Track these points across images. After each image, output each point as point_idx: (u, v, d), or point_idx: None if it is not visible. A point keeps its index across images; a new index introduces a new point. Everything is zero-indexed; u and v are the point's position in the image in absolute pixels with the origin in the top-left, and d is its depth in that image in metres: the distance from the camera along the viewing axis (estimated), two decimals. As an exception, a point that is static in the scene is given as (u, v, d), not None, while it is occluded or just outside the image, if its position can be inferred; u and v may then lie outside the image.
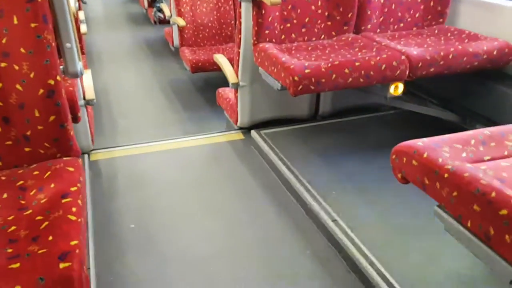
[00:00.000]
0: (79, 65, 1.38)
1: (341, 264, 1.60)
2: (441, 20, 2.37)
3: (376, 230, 1.68)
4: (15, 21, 1.18)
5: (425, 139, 1.22)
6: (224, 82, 2.58)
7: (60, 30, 1.29)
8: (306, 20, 2.22)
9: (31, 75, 1.21)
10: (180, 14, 3.58)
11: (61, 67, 1.29)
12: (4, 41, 1.19)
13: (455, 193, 1.06)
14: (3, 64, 1.20)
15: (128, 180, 2.14)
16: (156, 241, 1.73)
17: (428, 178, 1.13)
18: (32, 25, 1.19)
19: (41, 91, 1.22)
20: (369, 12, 2.27)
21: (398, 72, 1.90)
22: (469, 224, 1.03)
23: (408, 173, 1.21)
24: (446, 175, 1.08)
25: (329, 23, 2.25)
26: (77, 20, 2.70)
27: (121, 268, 1.59)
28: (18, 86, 1.21)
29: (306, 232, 1.77)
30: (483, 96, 2.20)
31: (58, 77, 1.23)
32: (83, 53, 3.07)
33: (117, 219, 1.86)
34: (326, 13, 2.24)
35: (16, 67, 1.20)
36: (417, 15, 2.37)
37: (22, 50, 1.20)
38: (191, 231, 1.80)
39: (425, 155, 1.15)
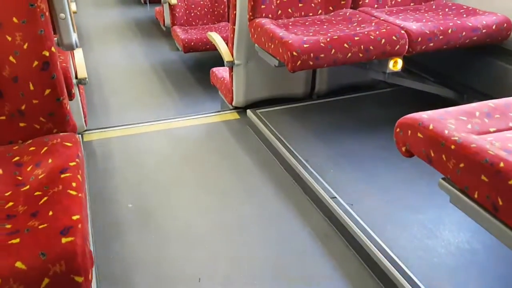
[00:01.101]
0: (74, 36, 1.32)
1: (341, 240, 1.60)
2: (438, -5, 2.34)
3: (375, 206, 1.68)
4: None
5: (429, 112, 1.20)
6: (216, 63, 2.53)
7: (53, 0, 1.23)
8: (303, -6, 2.17)
9: (25, 46, 1.16)
10: (171, -8, 3.49)
11: (55, 39, 1.24)
12: None
13: (462, 164, 1.05)
14: None
15: (123, 160, 2.10)
16: (155, 219, 1.71)
17: (434, 150, 1.12)
18: None
19: (36, 63, 1.17)
20: (367, -14, 2.23)
21: (398, 46, 1.87)
22: (476, 196, 1.02)
23: (412, 145, 1.20)
24: (452, 147, 1.07)
25: (326, -2, 2.21)
26: None
27: (121, 247, 1.57)
28: (11, 58, 1.16)
29: (305, 210, 1.76)
30: (481, 72, 2.19)
31: (53, 48, 1.18)
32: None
33: (114, 198, 1.83)
34: (323, -13, 2.19)
35: (9, 38, 1.15)
36: (415, -11, 2.34)
37: (15, 19, 1.14)
38: (188, 208, 1.78)
39: (430, 127, 1.13)
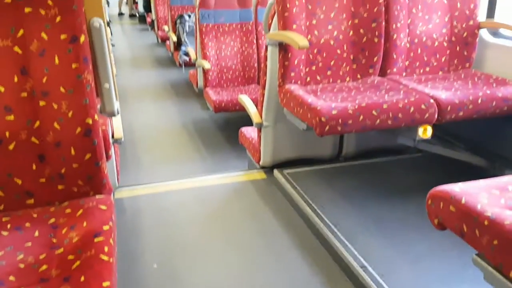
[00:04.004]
0: (116, 104, 1.40)
1: (371, 313, 1.53)
2: (467, 64, 2.37)
3: (407, 277, 1.61)
4: (57, 61, 1.21)
5: (461, 184, 1.18)
6: (245, 122, 2.60)
7: (99, 71, 1.31)
8: (332, 63, 2.25)
9: (69, 114, 1.22)
10: (205, 57, 3.70)
11: (98, 105, 1.31)
12: (44, 80, 1.21)
13: (495, 241, 1.01)
14: (42, 103, 1.21)
15: (151, 219, 2.13)
16: (180, 281, 1.69)
17: (467, 225, 1.09)
18: (73, 65, 1.21)
19: (79, 129, 1.23)
20: (395, 56, 2.29)
21: (427, 115, 1.88)
22: (511, 274, 0.98)
23: (445, 219, 1.17)
24: (486, 222, 1.04)
25: (354, 66, 2.28)
26: None
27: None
28: (55, 125, 1.22)
29: (333, 277, 1.70)
30: (512, 141, 2.16)
31: (96, 116, 1.24)
32: None
33: (140, 258, 1.83)
34: (352, 57, 2.27)
35: (55, 106, 1.21)
36: (443, 59, 2.38)
37: (62, 89, 1.21)
38: (214, 270, 1.75)
39: (463, 201, 1.11)
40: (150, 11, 7.40)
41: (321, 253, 1.85)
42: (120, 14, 11.44)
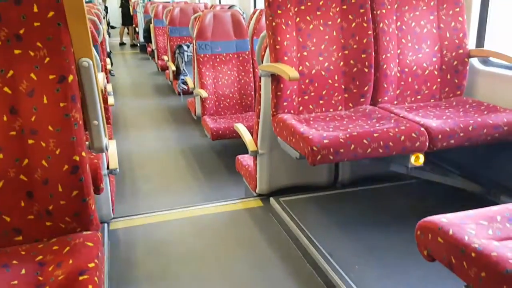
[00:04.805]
0: (105, 140, 1.40)
1: None
2: (458, 92, 2.41)
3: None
4: (45, 101, 1.23)
5: (449, 215, 1.19)
6: (243, 149, 2.62)
7: (88, 108, 1.33)
8: (323, 92, 2.29)
9: (57, 152, 1.23)
10: (202, 86, 3.76)
11: (87, 142, 1.33)
12: (33, 119, 1.23)
13: (483, 273, 1.01)
14: (30, 141, 1.23)
15: (146, 251, 2.12)
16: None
17: (455, 256, 1.09)
18: (61, 104, 1.23)
19: (66, 167, 1.24)
20: (385, 85, 2.33)
21: (418, 143, 1.90)
22: (501, 307, 0.97)
23: (434, 250, 1.17)
24: (473, 254, 1.04)
25: (346, 95, 2.32)
26: (105, 92, 2.84)
27: None
28: (43, 162, 1.23)
29: (328, 309, 1.68)
30: (507, 167, 2.16)
31: (83, 153, 1.26)
32: (109, 123, 3.21)
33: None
34: (343, 86, 2.31)
35: (43, 144, 1.23)
36: (434, 87, 2.42)
37: (50, 128, 1.23)
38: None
39: (450, 232, 1.12)
40: (151, 41, 7.56)
41: (317, 284, 1.83)
42: (122, 44, 11.68)
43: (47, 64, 1.22)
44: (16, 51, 1.22)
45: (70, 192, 1.26)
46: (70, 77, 1.24)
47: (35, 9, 1.21)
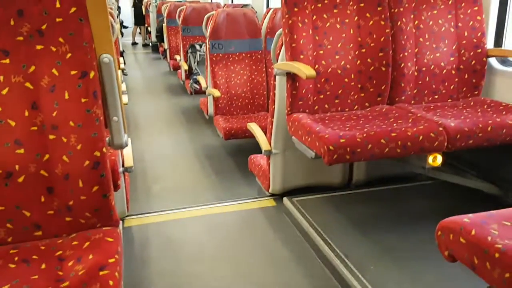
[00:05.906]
0: (125, 137, 1.41)
1: None
2: (476, 92, 2.37)
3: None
4: (66, 96, 1.24)
5: (471, 215, 1.17)
6: (255, 149, 2.61)
7: (108, 104, 1.33)
8: (339, 91, 2.27)
9: (78, 147, 1.24)
10: (215, 85, 3.76)
11: (106, 138, 1.33)
12: (54, 114, 1.24)
13: (507, 274, 0.99)
14: (51, 137, 1.24)
15: (160, 249, 2.12)
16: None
17: (477, 257, 1.07)
18: (83, 100, 1.24)
19: (87, 162, 1.25)
20: (402, 85, 2.30)
21: (436, 143, 1.87)
22: (526, 310, 0.95)
23: (455, 251, 1.15)
24: (496, 255, 1.02)
25: (362, 94, 2.29)
26: None
27: None
28: (64, 157, 1.24)
29: (343, 311, 1.67)
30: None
31: (104, 149, 1.26)
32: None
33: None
34: (359, 85, 2.29)
35: (64, 140, 1.23)
36: (452, 87, 2.39)
37: (71, 123, 1.24)
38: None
39: (473, 233, 1.09)
40: (163, 41, 7.59)
41: (331, 284, 1.81)
42: (134, 43, 11.76)
43: (68, 59, 1.23)
44: (38, 47, 1.22)
45: (90, 187, 1.26)
46: (92, 73, 1.24)
47: (57, 5, 1.22)
